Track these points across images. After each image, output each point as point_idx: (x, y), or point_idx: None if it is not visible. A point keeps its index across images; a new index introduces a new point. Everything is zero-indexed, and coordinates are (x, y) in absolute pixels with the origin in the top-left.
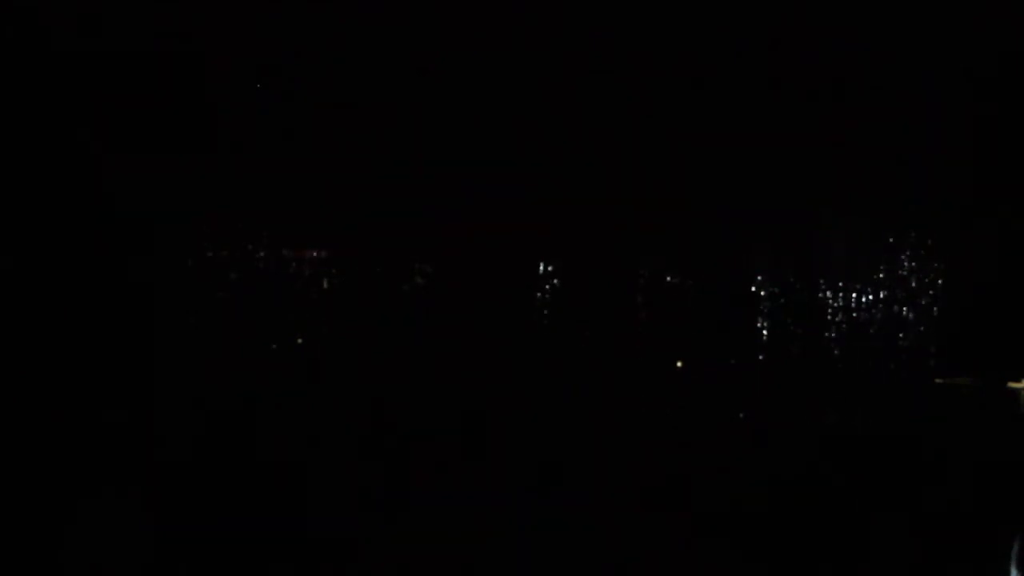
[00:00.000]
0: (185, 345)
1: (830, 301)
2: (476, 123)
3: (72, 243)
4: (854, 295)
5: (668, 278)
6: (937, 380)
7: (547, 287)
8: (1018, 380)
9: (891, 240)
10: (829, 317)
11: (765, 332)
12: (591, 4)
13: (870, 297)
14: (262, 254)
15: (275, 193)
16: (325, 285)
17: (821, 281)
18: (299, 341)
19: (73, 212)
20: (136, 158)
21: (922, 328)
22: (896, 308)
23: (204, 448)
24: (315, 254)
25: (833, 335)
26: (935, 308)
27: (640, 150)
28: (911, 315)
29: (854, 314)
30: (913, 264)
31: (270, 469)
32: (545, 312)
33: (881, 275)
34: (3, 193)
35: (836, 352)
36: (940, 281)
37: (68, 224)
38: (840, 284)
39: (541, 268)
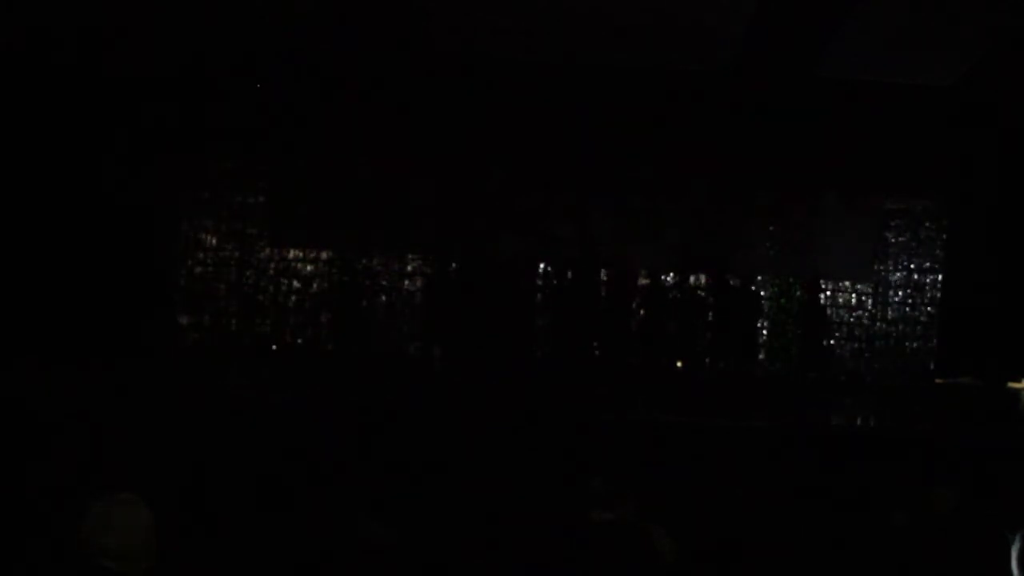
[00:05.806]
0: (184, 345)
1: (830, 300)
2: (476, 122)
3: (71, 242)
4: (854, 294)
5: (668, 277)
6: (937, 380)
7: (547, 286)
8: (1018, 380)
9: (891, 238)
10: (829, 316)
11: (765, 332)
12: (590, 5)
13: (870, 296)
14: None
15: (277, 192)
16: (327, 285)
17: (821, 281)
18: (299, 341)
19: (72, 211)
20: (136, 157)
21: (922, 328)
22: (896, 307)
23: (203, 449)
24: (318, 254)
25: (833, 334)
26: (935, 308)
27: (639, 149)
28: (911, 314)
29: (854, 313)
30: (913, 263)
31: (269, 470)
32: (544, 312)
33: (881, 274)
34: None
35: (836, 352)
36: (940, 280)
37: (67, 223)
38: (840, 283)
39: (541, 268)
